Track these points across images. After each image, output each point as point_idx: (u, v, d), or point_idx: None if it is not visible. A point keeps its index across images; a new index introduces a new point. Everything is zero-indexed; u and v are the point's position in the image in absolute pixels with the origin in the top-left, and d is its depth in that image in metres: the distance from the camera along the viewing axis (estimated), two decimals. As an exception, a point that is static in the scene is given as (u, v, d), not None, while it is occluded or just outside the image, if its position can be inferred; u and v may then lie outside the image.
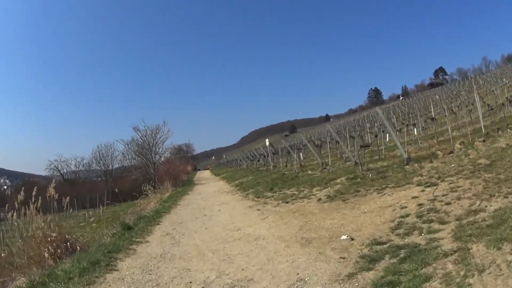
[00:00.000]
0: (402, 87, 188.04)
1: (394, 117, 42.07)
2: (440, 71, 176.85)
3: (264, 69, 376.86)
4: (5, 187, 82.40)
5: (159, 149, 49.25)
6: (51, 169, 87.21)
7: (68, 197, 12.76)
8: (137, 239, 10.74)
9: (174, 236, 10.83)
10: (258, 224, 10.97)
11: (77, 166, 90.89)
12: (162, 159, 51.51)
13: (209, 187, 29.89)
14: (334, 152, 23.71)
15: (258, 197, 16.38)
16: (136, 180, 46.81)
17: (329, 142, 29.80)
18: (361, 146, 15.43)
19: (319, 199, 12.50)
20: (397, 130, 27.08)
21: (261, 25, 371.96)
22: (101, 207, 43.12)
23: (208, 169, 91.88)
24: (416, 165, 14.07)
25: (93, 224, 22.03)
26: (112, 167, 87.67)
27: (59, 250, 9.08)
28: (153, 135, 48.12)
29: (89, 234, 12.98)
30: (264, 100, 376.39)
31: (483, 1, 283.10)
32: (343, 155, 21.59)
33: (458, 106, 35.29)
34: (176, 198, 22.09)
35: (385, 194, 10.89)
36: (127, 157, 55.96)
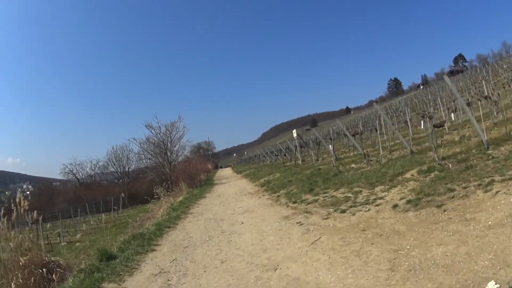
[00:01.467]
0: (422, 76, 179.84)
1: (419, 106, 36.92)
2: (460, 58, 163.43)
3: (283, 66, 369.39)
4: (28, 192, 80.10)
5: (175, 147, 44.71)
6: (66, 173, 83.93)
7: (37, 213, 9.01)
8: (109, 285, 6.39)
9: (169, 280, 6.40)
10: (307, 254, 6.50)
11: (93, 169, 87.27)
12: (181, 158, 47.02)
13: (230, 187, 25.47)
14: (378, 140, 18.93)
15: (295, 202, 11.82)
16: (152, 182, 42.80)
17: (369, 130, 24.99)
18: (434, 126, 10.64)
19: (395, 206, 7.94)
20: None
21: (278, 23, 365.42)
22: (113, 210, 40.64)
23: (229, 166, 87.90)
24: (502, 148, 9.76)
25: (92, 237, 18.31)
26: (128, 168, 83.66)
27: (32, 279, 6.98)
28: (167, 132, 43.60)
29: (77, 252, 9.59)
30: (284, 96, 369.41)
31: None
32: (386, 144, 16.93)
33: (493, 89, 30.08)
34: (190, 203, 17.90)
35: (499, 192, 6.45)
36: (144, 158, 51.31)
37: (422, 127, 23.95)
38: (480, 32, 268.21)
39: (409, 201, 7.86)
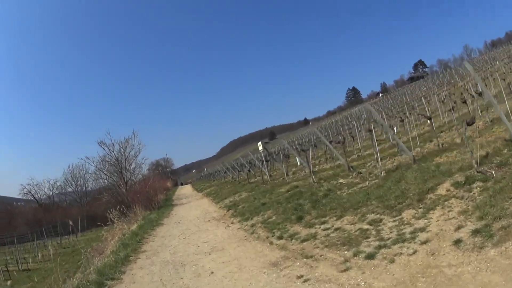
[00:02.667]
0: (381, 83, 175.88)
1: (383, 112, 34.76)
2: (420, 64, 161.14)
3: (236, 77, 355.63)
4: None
5: (130, 165, 40.42)
6: (25, 193, 77.14)
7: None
8: None
9: None
10: None
11: (51, 189, 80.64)
12: (140, 176, 42.83)
13: (191, 209, 21.92)
14: (355, 147, 15.97)
15: (281, 237, 8.56)
16: (108, 203, 38.57)
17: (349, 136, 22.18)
18: (466, 123, 7.76)
19: (457, 241, 5.13)
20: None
21: (229, 32, 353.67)
22: (72, 233, 36.85)
23: (189, 183, 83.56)
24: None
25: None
26: (85, 188, 77.70)
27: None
28: (121, 149, 39.36)
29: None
30: (240, 108, 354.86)
31: None
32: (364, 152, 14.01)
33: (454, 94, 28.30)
34: (144, 234, 14.50)
35: None
36: (101, 177, 46.65)
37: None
38: (441, 36, 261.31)
39: (476, 232, 5.02)
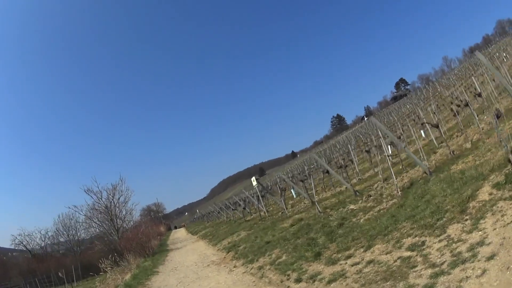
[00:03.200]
0: (365, 107, 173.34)
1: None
2: (401, 82, 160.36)
3: (221, 117, 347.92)
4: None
5: (120, 212, 38.52)
6: (17, 244, 73.70)
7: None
8: None
9: None
10: None
11: (43, 239, 77.43)
12: (130, 223, 40.86)
13: (188, 253, 20.29)
14: (356, 170, 14.69)
15: (299, 280, 7.17)
16: (102, 252, 36.54)
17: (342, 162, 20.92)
18: (496, 115, 6.74)
19: None
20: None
21: (208, 69, 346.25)
22: (66, 284, 34.83)
23: (183, 226, 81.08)
24: None
25: None
26: (78, 238, 74.69)
27: None
28: (109, 196, 37.50)
29: None
30: (228, 148, 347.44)
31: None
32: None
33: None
34: (138, 285, 12.81)
35: None
36: (92, 225, 44.39)
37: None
38: (419, 51, 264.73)
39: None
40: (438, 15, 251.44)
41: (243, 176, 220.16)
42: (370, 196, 11.37)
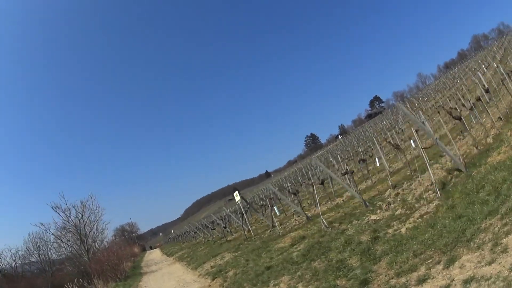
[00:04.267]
0: (339, 126, 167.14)
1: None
2: (376, 100, 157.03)
3: (193, 136, 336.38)
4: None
5: (91, 231, 34.90)
6: None
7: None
8: None
9: None
10: None
11: (13, 258, 71.49)
12: (103, 244, 37.30)
13: (163, 278, 17.35)
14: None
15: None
16: (71, 274, 32.88)
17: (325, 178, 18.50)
18: None
19: None
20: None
21: (180, 88, 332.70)
22: None
23: (157, 247, 76.86)
24: None
25: None
26: (49, 258, 69.41)
27: None
28: (78, 214, 33.90)
29: None
30: (201, 168, 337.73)
31: (402, 16, 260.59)
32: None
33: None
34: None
35: None
36: (61, 246, 40.09)
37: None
38: (394, 68, 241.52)
39: None
40: (412, 31, 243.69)
41: (217, 196, 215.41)
42: (390, 204, 9.09)
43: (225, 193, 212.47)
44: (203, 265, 15.74)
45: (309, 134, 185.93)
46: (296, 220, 15.61)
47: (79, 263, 34.52)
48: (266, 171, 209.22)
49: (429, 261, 5.01)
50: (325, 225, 10.22)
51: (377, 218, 8.46)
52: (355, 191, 11.56)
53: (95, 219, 34.42)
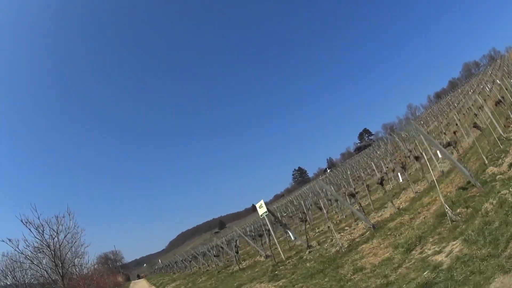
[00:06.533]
0: (327, 159, 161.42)
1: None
2: (365, 133, 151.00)
3: (180, 167, 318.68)
4: None
5: (67, 254, 27.90)
6: None
7: None
8: None
9: None
10: None
11: None
12: (85, 269, 30.49)
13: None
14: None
15: None
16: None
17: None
18: None
19: None
20: None
21: (168, 119, 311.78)
22: None
23: (143, 277, 69.55)
24: None
25: None
26: (25, 281, 60.90)
27: None
28: (53, 232, 26.52)
29: None
30: (187, 201, 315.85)
31: (393, 47, 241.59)
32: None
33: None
34: None
35: None
36: (33, 268, 32.53)
37: (401, 180, 16.64)
38: (384, 101, 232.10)
39: None
40: (402, 62, 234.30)
41: (203, 229, 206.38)
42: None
43: (211, 226, 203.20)
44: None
45: (296, 168, 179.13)
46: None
47: (54, 291, 27.92)
48: (253, 204, 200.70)
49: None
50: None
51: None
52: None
53: (72, 239, 27.46)
